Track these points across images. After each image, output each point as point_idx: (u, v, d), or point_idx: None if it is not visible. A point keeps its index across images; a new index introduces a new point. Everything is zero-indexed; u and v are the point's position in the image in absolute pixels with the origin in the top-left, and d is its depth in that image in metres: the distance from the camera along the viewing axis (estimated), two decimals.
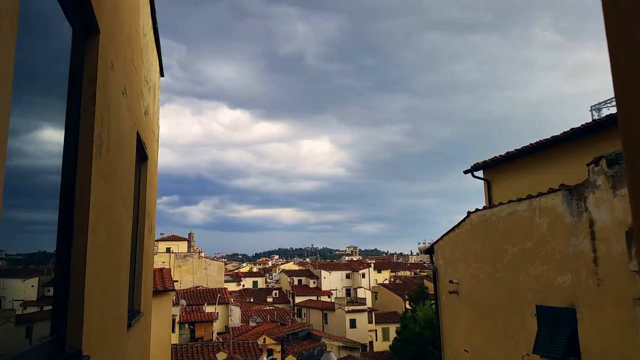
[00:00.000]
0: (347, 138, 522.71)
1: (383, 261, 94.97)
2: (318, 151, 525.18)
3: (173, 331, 25.25)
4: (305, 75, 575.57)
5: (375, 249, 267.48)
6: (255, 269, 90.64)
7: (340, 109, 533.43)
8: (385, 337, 45.29)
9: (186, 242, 59.35)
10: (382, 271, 72.40)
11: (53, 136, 2.45)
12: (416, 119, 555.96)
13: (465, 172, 15.54)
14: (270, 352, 29.98)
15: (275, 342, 32.83)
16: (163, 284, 16.37)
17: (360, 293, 56.31)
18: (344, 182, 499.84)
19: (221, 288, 42.68)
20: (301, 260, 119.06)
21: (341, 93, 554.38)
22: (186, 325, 33.58)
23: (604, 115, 14.06)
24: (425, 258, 76.36)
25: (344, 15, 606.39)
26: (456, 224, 12.73)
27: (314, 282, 65.39)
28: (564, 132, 11.86)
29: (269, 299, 59.72)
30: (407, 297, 44.27)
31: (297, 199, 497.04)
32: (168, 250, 50.38)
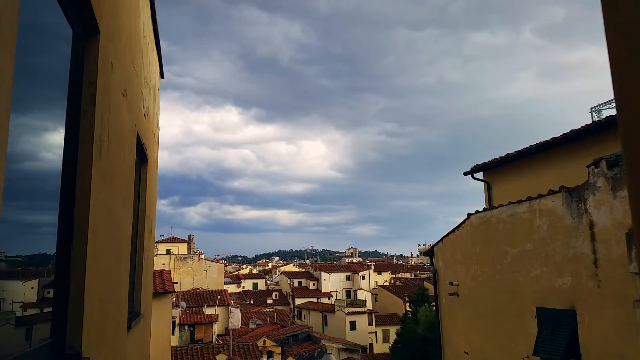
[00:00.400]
0: (337, 140, 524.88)
1: (383, 263, 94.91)
2: (310, 153, 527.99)
3: (173, 333, 25.22)
4: (285, 77, 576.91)
5: (375, 250, 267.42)
6: (255, 271, 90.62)
7: (325, 111, 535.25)
8: (386, 339, 45.24)
9: (186, 243, 59.29)
10: (382, 273, 72.35)
11: (53, 137, 2.45)
12: (404, 121, 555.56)
13: (466, 173, 15.54)
14: (270, 354, 29.95)
15: (275, 344, 32.80)
16: (163, 285, 16.35)
17: (360, 295, 56.32)
18: (336, 184, 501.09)
19: (221, 290, 42.65)
20: (301, 262, 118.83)
21: (323, 94, 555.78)
22: (186, 327, 33.54)
23: (603, 116, 14.06)
24: (426, 260, 76.33)
25: (311, 21, 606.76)
26: (456, 225, 12.73)
27: (314, 284, 65.32)
28: (563, 134, 11.87)
29: (269, 301, 59.67)
30: (407, 299, 44.27)
31: (292, 200, 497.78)
32: (168, 252, 50.30)
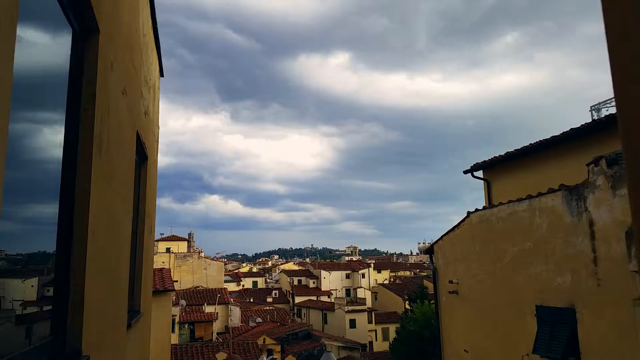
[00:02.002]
0: (309, 136, 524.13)
1: (383, 261, 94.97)
2: (282, 149, 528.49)
3: (173, 331, 25.23)
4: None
5: (375, 249, 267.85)
6: (255, 269, 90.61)
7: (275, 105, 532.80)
8: (385, 337, 45.27)
9: (186, 242, 59.33)
10: (382, 271, 72.40)
11: (53, 136, 2.45)
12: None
13: (465, 172, 15.54)
14: (270, 352, 29.99)
15: (275, 342, 32.83)
16: (163, 284, 16.35)
17: (360, 293, 56.32)
18: (309, 183, 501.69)
19: (221, 288, 42.67)
20: (301, 260, 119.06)
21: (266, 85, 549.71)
22: (186, 325, 33.57)
23: (603, 115, 14.06)
24: (425, 258, 76.40)
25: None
26: (456, 224, 12.74)
27: (313, 282, 65.36)
28: (563, 133, 11.86)
29: (269, 299, 59.69)
30: (406, 297, 44.35)
31: (270, 198, 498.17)
32: (168, 250, 50.35)
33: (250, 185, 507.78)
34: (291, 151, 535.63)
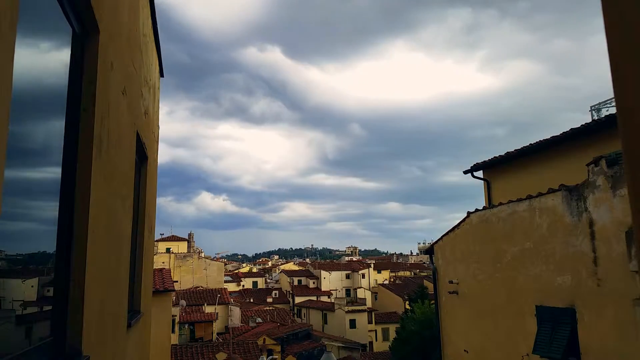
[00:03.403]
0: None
1: (383, 261, 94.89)
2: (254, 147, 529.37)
3: (173, 331, 25.22)
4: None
5: (375, 249, 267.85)
6: (255, 269, 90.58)
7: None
8: (385, 338, 45.26)
9: (186, 242, 59.33)
10: (382, 271, 72.39)
11: (53, 136, 2.45)
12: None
13: (465, 172, 15.54)
14: (270, 352, 29.99)
15: (275, 342, 32.83)
16: (163, 284, 16.33)
17: (360, 293, 56.31)
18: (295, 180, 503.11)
19: (221, 288, 42.65)
20: (301, 260, 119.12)
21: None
22: (186, 326, 33.55)
23: (603, 115, 14.06)
24: (425, 258, 76.37)
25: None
26: (456, 224, 12.73)
27: (313, 283, 65.36)
28: (563, 133, 11.86)
29: (269, 299, 59.68)
30: (406, 297, 44.34)
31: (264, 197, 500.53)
32: (168, 250, 50.35)
33: (246, 184, 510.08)
34: (273, 150, 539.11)
